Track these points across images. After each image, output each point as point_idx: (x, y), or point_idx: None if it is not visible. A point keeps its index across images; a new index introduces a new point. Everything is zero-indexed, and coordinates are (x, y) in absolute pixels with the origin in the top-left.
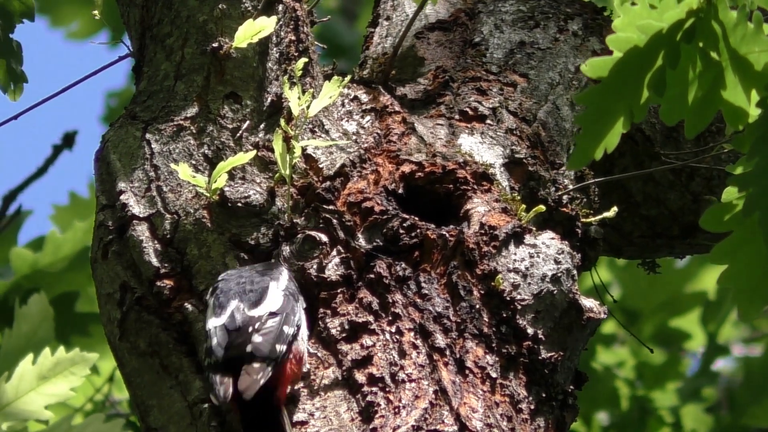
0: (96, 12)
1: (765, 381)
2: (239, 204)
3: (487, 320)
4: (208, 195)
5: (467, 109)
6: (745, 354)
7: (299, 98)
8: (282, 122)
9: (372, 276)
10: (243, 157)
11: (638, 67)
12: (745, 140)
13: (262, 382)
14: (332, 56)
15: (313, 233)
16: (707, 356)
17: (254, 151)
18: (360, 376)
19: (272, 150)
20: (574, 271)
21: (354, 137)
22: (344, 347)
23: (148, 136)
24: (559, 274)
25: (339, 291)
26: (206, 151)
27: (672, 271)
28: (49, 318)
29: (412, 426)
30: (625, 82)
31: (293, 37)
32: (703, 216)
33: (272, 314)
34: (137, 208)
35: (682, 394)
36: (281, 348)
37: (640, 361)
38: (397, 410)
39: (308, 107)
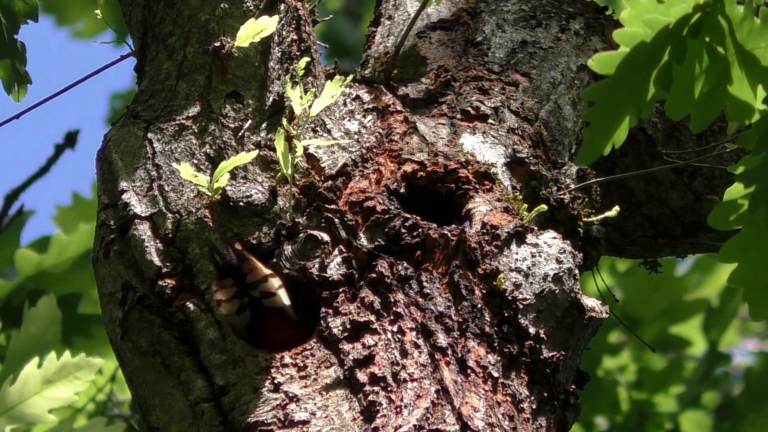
0: (98, 12)
1: (764, 389)
2: (241, 203)
3: (488, 320)
4: (209, 194)
5: (469, 109)
6: (760, 349)
7: (301, 98)
8: (284, 121)
9: (374, 275)
10: (245, 157)
11: (645, 62)
12: (751, 137)
13: None
14: (336, 56)
15: (314, 233)
16: (708, 363)
17: (256, 151)
18: (362, 376)
19: (274, 149)
20: (576, 271)
21: (356, 136)
22: (346, 347)
23: (149, 135)
24: (561, 274)
25: (341, 290)
26: (208, 151)
27: (673, 278)
28: (57, 320)
29: (414, 425)
30: (632, 77)
31: (295, 37)
32: (711, 214)
33: None
34: (139, 207)
35: (681, 401)
36: None
37: (641, 367)
38: (398, 410)
39: (310, 106)
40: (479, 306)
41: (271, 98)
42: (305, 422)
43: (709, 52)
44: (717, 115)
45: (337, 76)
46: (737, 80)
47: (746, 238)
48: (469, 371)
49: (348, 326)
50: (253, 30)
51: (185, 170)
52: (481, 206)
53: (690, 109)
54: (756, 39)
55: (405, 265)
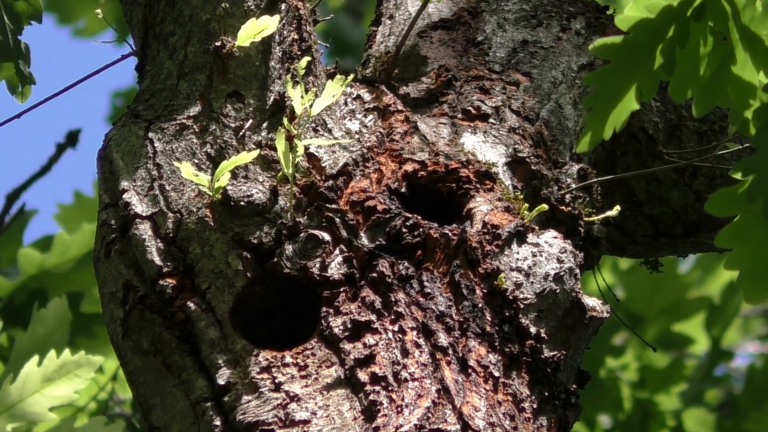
0: (99, 11)
1: (767, 386)
2: (242, 203)
3: (489, 319)
4: (210, 194)
5: (470, 108)
6: (761, 351)
7: (302, 97)
8: (285, 121)
9: (375, 275)
10: (246, 156)
11: (648, 44)
12: (753, 124)
13: None
14: (338, 55)
15: (315, 232)
16: (711, 361)
17: (257, 150)
18: (363, 375)
19: (275, 149)
20: (577, 270)
21: (357, 136)
22: (347, 346)
23: (150, 134)
24: (562, 273)
25: (341, 290)
26: (209, 150)
27: (675, 276)
28: (66, 323)
29: (415, 425)
30: (635, 59)
31: (296, 36)
32: (708, 201)
33: None
34: (140, 206)
35: (684, 398)
36: None
37: (643, 365)
38: (399, 409)
39: (311, 106)
40: (480, 305)
41: (272, 98)
42: (306, 422)
43: (713, 35)
44: (720, 99)
45: (338, 76)
46: (741, 62)
47: (743, 224)
48: (470, 371)
49: (349, 326)
50: (254, 29)
51: (186, 170)
52: (482, 206)
53: (693, 92)
54: (758, 26)
55: (406, 264)
